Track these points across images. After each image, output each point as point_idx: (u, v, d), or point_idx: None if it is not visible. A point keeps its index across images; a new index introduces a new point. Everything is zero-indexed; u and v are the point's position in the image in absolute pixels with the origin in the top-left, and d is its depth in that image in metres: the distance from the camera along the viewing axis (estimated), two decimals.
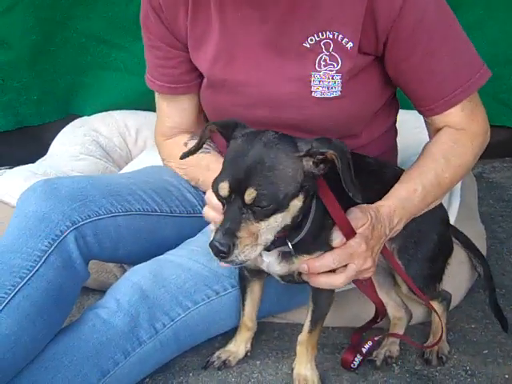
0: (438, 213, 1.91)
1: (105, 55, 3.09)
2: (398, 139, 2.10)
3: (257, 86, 1.81)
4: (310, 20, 1.71)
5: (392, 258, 1.77)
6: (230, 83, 1.83)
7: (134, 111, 3.13)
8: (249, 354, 1.91)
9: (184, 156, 1.61)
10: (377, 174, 1.82)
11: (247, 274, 1.79)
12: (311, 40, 1.73)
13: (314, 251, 1.59)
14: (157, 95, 2.06)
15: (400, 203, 1.70)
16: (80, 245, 1.78)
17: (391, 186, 1.74)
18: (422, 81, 1.75)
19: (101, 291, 2.19)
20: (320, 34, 1.71)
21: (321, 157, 1.45)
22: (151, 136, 3.04)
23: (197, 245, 1.91)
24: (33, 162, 2.81)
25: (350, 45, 1.70)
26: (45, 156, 2.87)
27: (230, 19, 1.79)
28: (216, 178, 1.46)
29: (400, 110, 2.05)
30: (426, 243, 1.84)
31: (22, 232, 1.73)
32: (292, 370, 1.76)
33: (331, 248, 1.59)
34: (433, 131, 1.85)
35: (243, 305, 1.83)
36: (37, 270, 1.68)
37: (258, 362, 1.90)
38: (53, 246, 1.73)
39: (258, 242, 1.44)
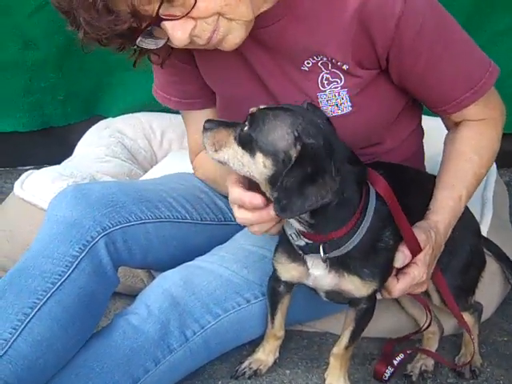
0: (471, 224, 1.88)
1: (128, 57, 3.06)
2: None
3: None
4: (301, 49, 1.68)
5: (438, 273, 1.75)
6: (245, 106, 1.69)
7: (160, 113, 3.11)
8: (277, 361, 1.89)
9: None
10: (418, 183, 1.80)
11: (282, 289, 1.75)
12: (308, 63, 1.69)
13: (367, 276, 1.55)
14: (182, 114, 2.03)
15: (452, 216, 1.71)
16: (110, 251, 1.77)
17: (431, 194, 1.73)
18: (431, 87, 1.73)
19: (127, 295, 2.18)
20: (315, 56, 1.68)
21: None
22: (176, 138, 3.07)
23: (227, 251, 1.90)
24: (58, 163, 2.79)
25: (345, 66, 1.67)
26: (70, 157, 2.86)
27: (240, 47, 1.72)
28: None
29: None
30: (459, 253, 1.82)
31: (54, 237, 1.72)
32: (324, 380, 1.74)
33: (385, 270, 1.58)
34: (451, 125, 1.84)
35: (272, 317, 1.80)
36: (68, 276, 1.67)
37: (287, 372, 1.89)
38: (84, 252, 1.72)
39: (221, 150, 1.50)
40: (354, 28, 1.62)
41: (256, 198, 1.50)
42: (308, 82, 1.71)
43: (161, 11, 1.43)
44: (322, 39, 1.66)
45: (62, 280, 1.66)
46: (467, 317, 1.87)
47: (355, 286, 1.57)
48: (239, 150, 1.48)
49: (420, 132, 2.03)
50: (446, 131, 1.87)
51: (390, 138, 1.89)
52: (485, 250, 1.95)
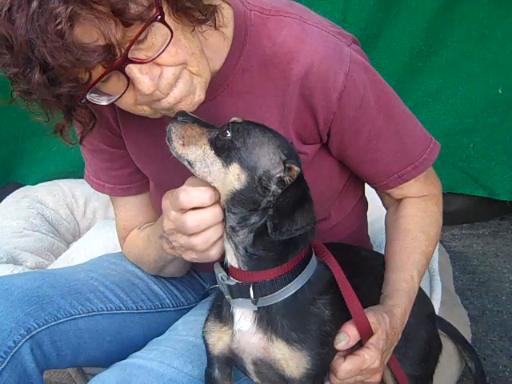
0: (424, 306, 1.79)
1: (50, 121, 2.87)
2: None
3: None
4: None
5: (395, 362, 1.63)
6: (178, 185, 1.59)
7: (82, 180, 2.87)
8: None
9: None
10: (370, 264, 1.73)
11: (218, 375, 1.56)
12: None
13: (295, 342, 1.41)
14: (111, 200, 1.90)
15: (407, 298, 1.62)
16: (36, 356, 1.58)
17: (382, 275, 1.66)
18: (372, 161, 1.68)
19: None
20: None
21: (288, 174, 1.34)
22: (100, 207, 2.90)
23: (168, 345, 1.72)
24: None
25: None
26: None
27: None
28: None
29: None
30: (416, 341, 1.72)
31: None
32: None
33: (316, 342, 1.43)
34: (391, 202, 1.80)
35: None
36: None
37: None
38: (5, 361, 1.52)
39: (188, 147, 1.38)
40: (296, 102, 1.56)
41: (208, 190, 1.38)
42: None
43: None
44: (263, 115, 1.58)
45: None
46: None
47: (283, 355, 1.42)
48: (211, 154, 1.37)
49: (364, 203, 1.97)
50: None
51: (335, 212, 1.81)
52: (439, 331, 1.86)
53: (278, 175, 1.35)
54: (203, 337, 1.52)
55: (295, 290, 1.41)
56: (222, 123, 1.57)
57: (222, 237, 1.42)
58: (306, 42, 1.53)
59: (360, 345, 1.49)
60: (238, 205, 1.36)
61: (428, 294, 1.97)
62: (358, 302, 1.47)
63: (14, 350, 1.53)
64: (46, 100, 1.37)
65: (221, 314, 1.49)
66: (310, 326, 1.43)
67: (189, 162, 1.39)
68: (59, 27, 1.20)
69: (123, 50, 1.28)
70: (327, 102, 1.55)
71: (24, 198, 2.80)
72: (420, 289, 1.74)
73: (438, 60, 2.97)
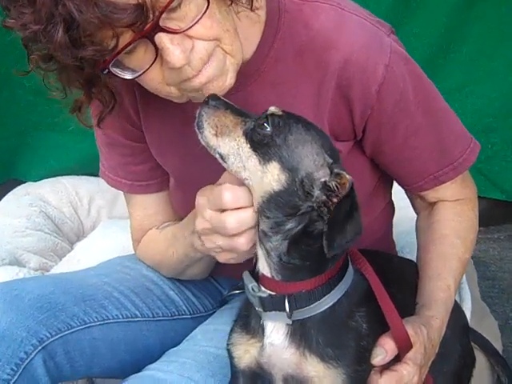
0: (459, 317, 1.70)
1: (54, 115, 2.72)
2: None
3: None
4: None
5: (429, 379, 1.53)
6: (201, 183, 1.51)
7: (86, 177, 2.85)
8: None
9: None
10: (403, 272, 1.64)
11: None
12: None
13: (330, 358, 1.30)
14: (127, 198, 1.79)
15: (445, 309, 1.53)
16: (49, 368, 1.49)
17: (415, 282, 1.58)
18: (407, 160, 1.60)
19: None
20: None
21: (336, 180, 1.24)
22: (105, 205, 2.79)
23: (188, 356, 1.61)
24: None
25: None
26: None
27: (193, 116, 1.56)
28: None
29: None
30: (451, 355, 1.63)
31: None
32: None
33: (353, 359, 1.32)
34: (424, 206, 1.70)
35: None
36: None
37: None
38: (17, 374, 1.42)
39: (222, 137, 1.28)
40: (333, 93, 1.48)
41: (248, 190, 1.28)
42: None
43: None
44: (296, 107, 1.47)
45: None
46: None
47: (317, 373, 1.31)
48: (246, 148, 1.26)
49: (391, 206, 1.88)
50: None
51: (364, 215, 1.70)
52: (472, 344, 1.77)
53: (322, 179, 1.24)
54: (228, 349, 1.42)
55: (333, 302, 1.31)
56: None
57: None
58: (345, 30, 1.44)
59: (397, 359, 1.39)
60: (273, 208, 1.25)
61: None
62: (397, 313, 1.37)
63: (25, 362, 1.44)
64: (65, 68, 1.27)
65: (248, 325, 1.39)
66: (348, 341, 1.33)
67: (220, 155, 1.28)
68: None
69: (155, 16, 1.18)
70: (365, 95, 1.46)
71: (26, 196, 2.68)
72: (454, 300, 1.65)
73: (457, 57, 2.90)
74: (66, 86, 1.35)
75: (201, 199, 1.35)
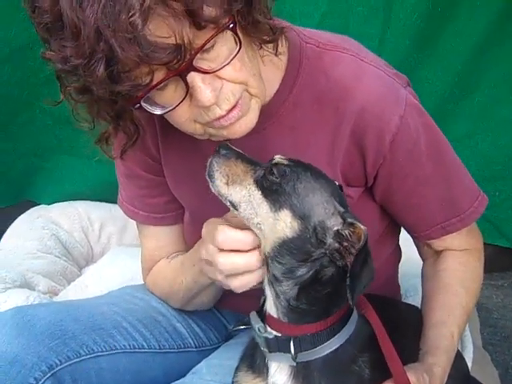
0: (461, 367, 1.70)
1: (72, 140, 2.81)
2: None
3: None
4: None
5: None
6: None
7: (99, 203, 2.87)
8: None
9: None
10: (408, 318, 1.66)
11: None
12: None
13: None
14: (140, 228, 1.82)
15: (447, 357, 1.54)
16: None
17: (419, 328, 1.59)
18: (416, 208, 1.63)
19: None
20: None
21: (349, 229, 1.26)
22: (116, 232, 2.82)
23: None
24: None
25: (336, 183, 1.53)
26: None
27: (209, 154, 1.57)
28: None
29: None
30: None
31: None
32: None
33: None
34: (430, 254, 1.73)
35: None
36: None
37: None
38: None
39: (233, 186, 1.31)
40: (347, 141, 1.51)
41: (249, 235, 1.31)
42: None
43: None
44: (311, 152, 1.52)
45: None
46: None
47: None
48: (258, 195, 1.29)
49: (398, 252, 1.91)
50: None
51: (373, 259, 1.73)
52: None
53: (335, 228, 1.27)
54: None
55: (337, 346, 1.33)
56: (266, 157, 1.51)
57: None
58: (363, 81, 1.48)
59: None
60: (286, 254, 1.28)
61: None
62: (399, 359, 1.38)
63: None
64: (98, 101, 1.31)
65: (253, 363, 1.41)
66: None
67: (232, 203, 1.31)
68: (132, 19, 1.15)
69: (190, 55, 1.23)
70: (379, 144, 1.50)
71: (38, 218, 2.71)
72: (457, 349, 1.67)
73: (469, 104, 2.91)
74: (95, 117, 1.39)
75: (205, 231, 1.40)
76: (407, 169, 1.54)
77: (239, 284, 1.35)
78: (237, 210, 1.31)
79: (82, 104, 1.36)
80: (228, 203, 1.32)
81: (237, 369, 1.46)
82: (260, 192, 1.29)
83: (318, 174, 1.33)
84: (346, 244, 1.27)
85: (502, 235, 3.08)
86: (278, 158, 1.34)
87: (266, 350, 1.36)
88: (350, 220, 1.27)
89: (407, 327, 1.60)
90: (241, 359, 1.47)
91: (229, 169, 1.32)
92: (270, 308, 1.34)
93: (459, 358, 1.71)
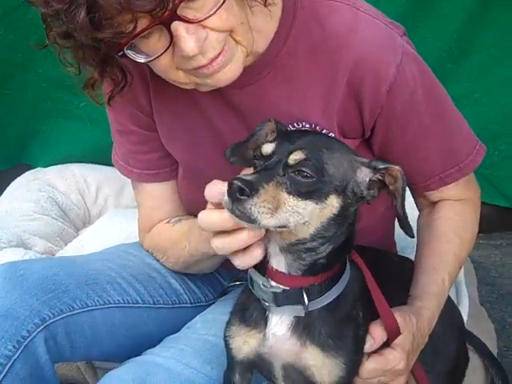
0: (455, 317, 1.72)
1: (67, 102, 2.80)
2: None
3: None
4: (280, 114, 1.49)
5: (418, 365, 1.55)
6: (209, 175, 1.51)
7: (95, 165, 2.86)
8: None
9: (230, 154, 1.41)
10: (398, 267, 1.67)
11: (237, 380, 1.47)
12: None
13: (331, 349, 1.33)
14: (136, 187, 1.80)
15: (436, 301, 1.54)
16: (50, 347, 1.51)
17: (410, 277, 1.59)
18: (414, 160, 1.60)
19: None
20: (295, 123, 1.52)
21: (381, 174, 1.29)
22: (113, 194, 2.82)
23: (186, 343, 1.64)
24: None
25: (331, 134, 1.53)
26: None
27: (206, 108, 1.57)
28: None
29: None
30: (444, 354, 1.64)
31: None
32: None
33: (352, 350, 1.36)
34: (426, 204, 1.72)
35: None
36: None
37: None
38: (18, 351, 1.45)
39: (277, 212, 1.19)
40: (343, 92, 1.49)
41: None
42: None
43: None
44: (306, 104, 1.51)
45: None
46: None
47: (315, 362, 1.34)
48: (300, 202, 1.22)
49: (393, 209, 1.86)
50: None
51: (366, 215, 1.71)
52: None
53: (367, 179, 1.29)
54: (226, 341, 1.43)
55: (338, 294, 1.34)
56: (262, 109, 1.50)
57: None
58: (359, 30, 1.46)
59: (387, 345, 1.42)
60: (330, 227, 1.27)
61: None
62: (386, 302, 1.40)
63: (27, 340, 1.46)
64: (81, 47, 1.30)
65: (246, 317, 1.40)
66: (348, 331, 1.36)
67: (281, 226, 1.23)
68: None
69: (174, 4, 1.21)
70: (376, 94, 1.48)
71: (35, 181, 2.71)
72: (450, 299, 1.68)
73: (468, 63, 2.88)
74: (81, 63, 1.37)
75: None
76: (405, 118, 1.53)
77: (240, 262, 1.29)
78: (287, 227, 1.24)
79: (67, 49, 1.34)
80: (278, 229, 1.24)
81: (228, 323, 1.45)
82: (300, 199, 1.23)
83: (331, 143, 1.32)
84: (391, 188, 1.30)
85: (501, 195, 3.07)
86: (295, 157, 1.25)
87: (272, 304, 1.33)
88: (380, 166, 1.29)
89: (398, 275, 1.61)
90: (231, 314, 1.45)
91: (261, 202, 1.19)
92: (278, 265, 1.32)
93: (454, 309, 1.73)
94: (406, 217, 1.34)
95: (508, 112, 2.93)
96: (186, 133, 1.62)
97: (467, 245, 1.67)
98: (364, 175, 1.30)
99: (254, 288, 1.36)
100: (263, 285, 1.33)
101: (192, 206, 1.72)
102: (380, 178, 1.30)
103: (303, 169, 1.23)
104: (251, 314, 1.39)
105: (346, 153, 1.31)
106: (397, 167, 1.28)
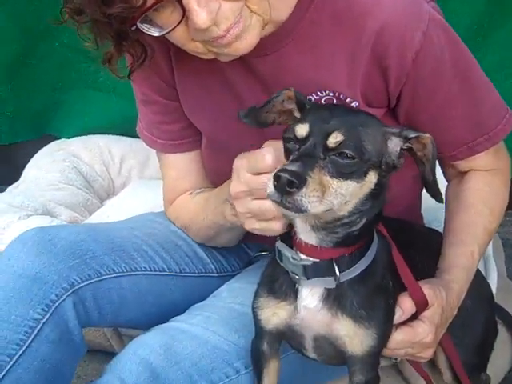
0: (484, 289, 1.71)
1: (91, 73, 2.79)
2: None
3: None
4: (304, 83, 1.48)
5: (447, 337, 1.54)
6: (232, 145, 1.54)
7: (119, 137, 2.87)
8: None
9: (244, 115, 1.37)
10: (426, 239, 1.65)
11: (266, 349, 1.48)
12: (309, 99, 1.50)
13: (362, 319, 1.32)
14: (160, 158, 1.80)
15: (465, 274, 1.53)
16: (79, 312, 1.51)
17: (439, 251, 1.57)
18: (442, 130, 1.56)
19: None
20: (319, 92, 1.50)
21: (411, 142, 1.28)
22: (137, 165, 2.82)
23: (213, 311, 1.63)
24: (2, 184, 2.51)
25: (355, 104, 1.51)
26: (18, 181, 2.57)
27: (230, 77, 1.56)
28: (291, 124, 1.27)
29: None
30: (473, 326, 1.63)
31: (10, 295, 1.45)
32: None
33: (383, 320, 1.35)
34: (455, 174, 1.69)
35: None
36: (28, 346, 1.41)
37: None
38: (48, 314, 1.45)
39: (324, 198, 1.18)
40: (367, 60, 1.46)
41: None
42: None
43: None
44: (330, 72, 1.48)
45: (21, 351, 1.40)
46: None
47: (347, 332, 1.34)
48: (343, 184, 1.21)
49: (420, 181, 1.85)
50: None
51: (395, 183, 1.69)
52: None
53: (397, 149, 1.28)
54: (254, 312, 1.43)
55: (368, 264, 1.33)
56: (286, 77, 1.48)
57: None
58: None
59: (415, 318, 1.42)
60: (369, 201, 1.26)
61: None
62: (410, 272, 1.39)
63: (56, 304, 1.47)
64: (96, 22, 1.30)
65: (275, 289, 1.39)
66: (379, 301, 1.35)
67: (328, 210, 1.22)
68: None
69: None
70: (401, 62, 1.45)
71: (59, 151, 2.73)
72: (479, 271, 1.67)
73: (498, 37, 2.82)
74: (98, 38, 1.37)
75: (239, 162, 1.35)
76: (432, 87, 1.50)
77: (259, 227, 1.33)
78: (330, 210, 1.23)
79: (84, 24, 1.34)
80: (326, 211, 1.23)
81: (256, 295, 1.44)
82: (342, 180, 1.21)
83: (363, 118, 1.29)
84: (419, 154, 1.29)
85: None
86: (333, 140, 1.22)
87: (302, 277, 1.32)
88: (411, 135, 1.27)
89: (425, 247, 1.59)
90: (259, 285, 1.44)
91: (310, 192, 1.17)
92: (309, 239, 1.30)
93: (483, 281, 1.71)
94: (436, 182, 1.32)
95: None
96: (209, 102, 1.61)
97: (497, 216, 1.64)
98: (395, 145, 1.28)
99: (283, 261, 1.34)
100: (293, 258, 1.31)
101: (216, 176, 1.70)
102: (410, 145, 1.28)
103: (345, 151, 1.20)
104: (280, 285, 1.38)
105: (377, 126, 1.29)
106: (427, 135, 1.27)
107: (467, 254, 1.55)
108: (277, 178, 1.15)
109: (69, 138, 2.84)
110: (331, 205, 1.20)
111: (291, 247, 1.33)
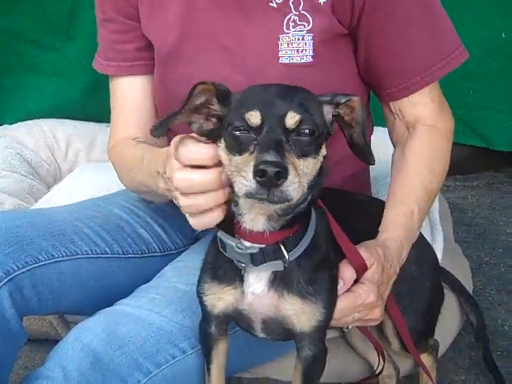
0: (429, 256, 1.71)
1: (32, 56, 2.73)
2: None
3: (220, 51, 1.58)
4: None
5: (393, 305, 1.54)
6: (189, 51, 1.59)
7: (63, 120, 2.80)
8: None
9: (155, 128, 1.27)
10: (367, 208, 1.64)
11: (214, 331, 1.47)
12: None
13: (310, 295, 1.30)
14: (112, 89, 1.79)
15: (404, 232, 1.51)
16: (16, 300, 1.47)
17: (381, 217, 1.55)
18: (398, 54, 1.59)
19: (33, 341, 1.86)
20: None
21: (342, 107, 1.26)
22: (84, 148, 2.76)
23: (157, 292, 1.61)
24: None
25: (321, 1, 1.51)
26: None
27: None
28: (235, 111, 1.19)
29: None
30: (419, 293, 1.63)
31: None
32: None
33: (331, 288, 1.34)
34: (400, 133, 1.68)
35: (208, 370, 1.51)
36: None
37: None
38: None
39: (301, 181, 1.15)
40: None
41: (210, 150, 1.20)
42: (271, 22, 1.54)
43: None
44: None
45: None
46: (426, 358, 1.71)
47: (294, 311, 1.32)
48: (306, 162, 1.18)
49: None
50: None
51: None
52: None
53: (330, 116, 1.27)
54: (199, 297, 1.40)
55: (311, 239, 1.30)
56: None
57: (221, 205, 1.24)
58: None
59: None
60: (317, 177, 1.23)
61: None
62: (347, 239, 1.38)
63: None
64: None
65: (218, 275, 1.36)
66: (324, 273, 1.33)
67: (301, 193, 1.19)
68: None
69: None
70: None
71: (1, 138, 2.65)
72: (423, 237, 1.67)
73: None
74: None
75: (172, 144, 1.26)
76: (393, 7, 1.51)
77: (190, 203, 1.23)
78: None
79: None
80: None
81: (200, 281, 1.40)
82: (304, 158, 1.18)
83: (302, 92, 1.25)
84: (347, 118, 1.27)
85: (476, 135, 3.05)
86: (290, 121, 1.18)
87: (250, 265, 1.29)
88: (342, 101, 1.25)
89: (365, 214, 1.59)
90: (202, 271, 1.41)
91: (293, 178, 1.13)
92: (254, 225, 1.25)
93: (427, 247, 1.71)
94: (368, 146, 1.29)
95: (481, 50, 2.88)
96: (170, 15, 1.61)
97: (438, 176, 1.63)
98: (327, 112, 1.26)
99: (227, 251, 1.30)
100: (238, 247, 1.27)
101: (167, 96, 1.69)
102: (339, 111, 1.26)
103: (304, 128, 1.17)
104: (224, 272, 1.35)
105: (314, 97, 1.26)
106: (356, 98, 1.24)
107: (406, 213, 1.54)
108: (260, 172, 1.09)
109: (11, 123, 2.76)
110: (303, 187, 1.17)
111: (232, 235, 1.28)
